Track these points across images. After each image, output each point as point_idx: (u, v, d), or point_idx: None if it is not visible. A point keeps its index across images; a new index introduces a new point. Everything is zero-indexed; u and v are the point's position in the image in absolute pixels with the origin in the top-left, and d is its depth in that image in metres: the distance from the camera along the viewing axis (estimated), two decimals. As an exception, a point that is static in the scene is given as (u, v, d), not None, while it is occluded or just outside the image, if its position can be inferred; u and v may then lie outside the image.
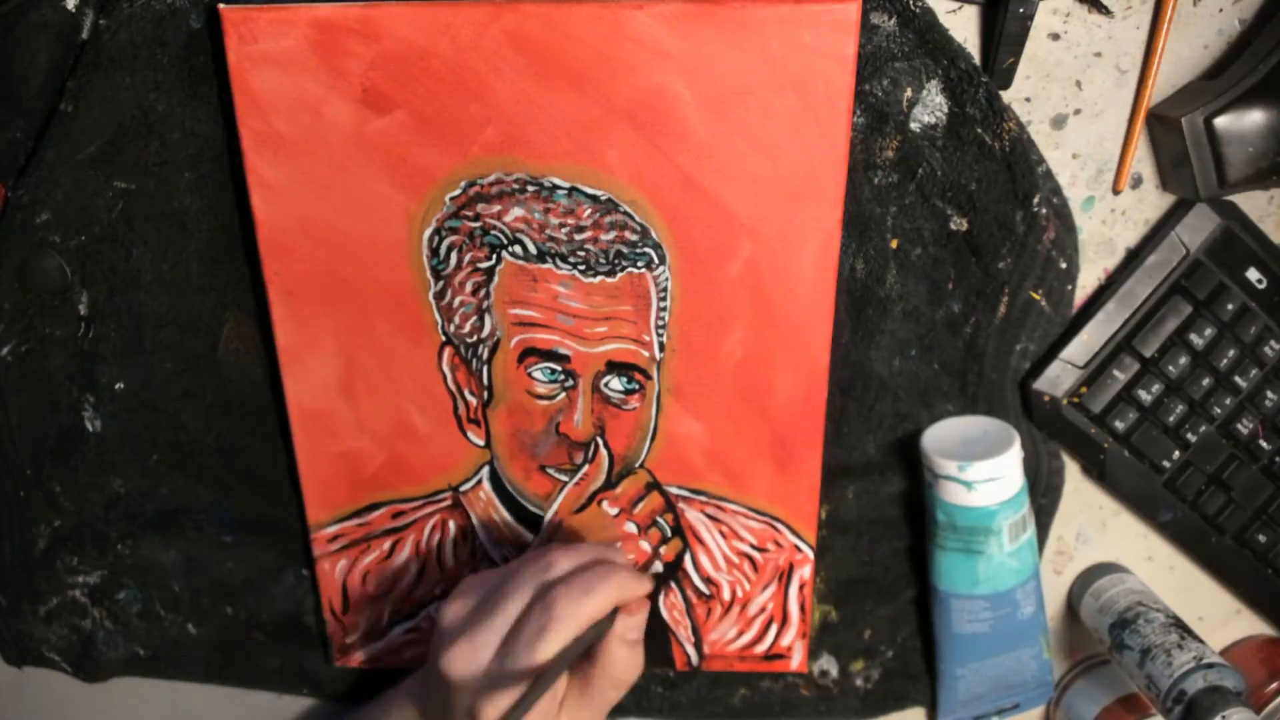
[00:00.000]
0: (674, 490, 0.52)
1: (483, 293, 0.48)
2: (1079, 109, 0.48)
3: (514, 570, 0.45)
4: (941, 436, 0.52)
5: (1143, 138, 0.49)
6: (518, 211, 0.46)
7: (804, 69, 0.44)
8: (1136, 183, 0.50)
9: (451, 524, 0.53)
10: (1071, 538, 0.57)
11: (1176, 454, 0.53)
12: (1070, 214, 0.49)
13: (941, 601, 0.53)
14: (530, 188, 0.46)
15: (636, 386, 0.50)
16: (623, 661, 0.44)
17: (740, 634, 0.56)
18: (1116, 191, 0.50)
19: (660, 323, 0.48)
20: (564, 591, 0.42)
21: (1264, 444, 0.53)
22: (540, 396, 0.50)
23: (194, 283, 0.50)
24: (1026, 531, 0.51)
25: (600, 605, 0.42)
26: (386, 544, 0.54)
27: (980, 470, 0.49)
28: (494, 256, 0.47)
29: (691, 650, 0.56)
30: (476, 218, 0.47)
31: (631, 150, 0.45)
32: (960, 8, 0.46)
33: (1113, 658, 0.54)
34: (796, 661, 0.57)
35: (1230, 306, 0.51)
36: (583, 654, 0.43)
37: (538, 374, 0.49)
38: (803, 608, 0.55)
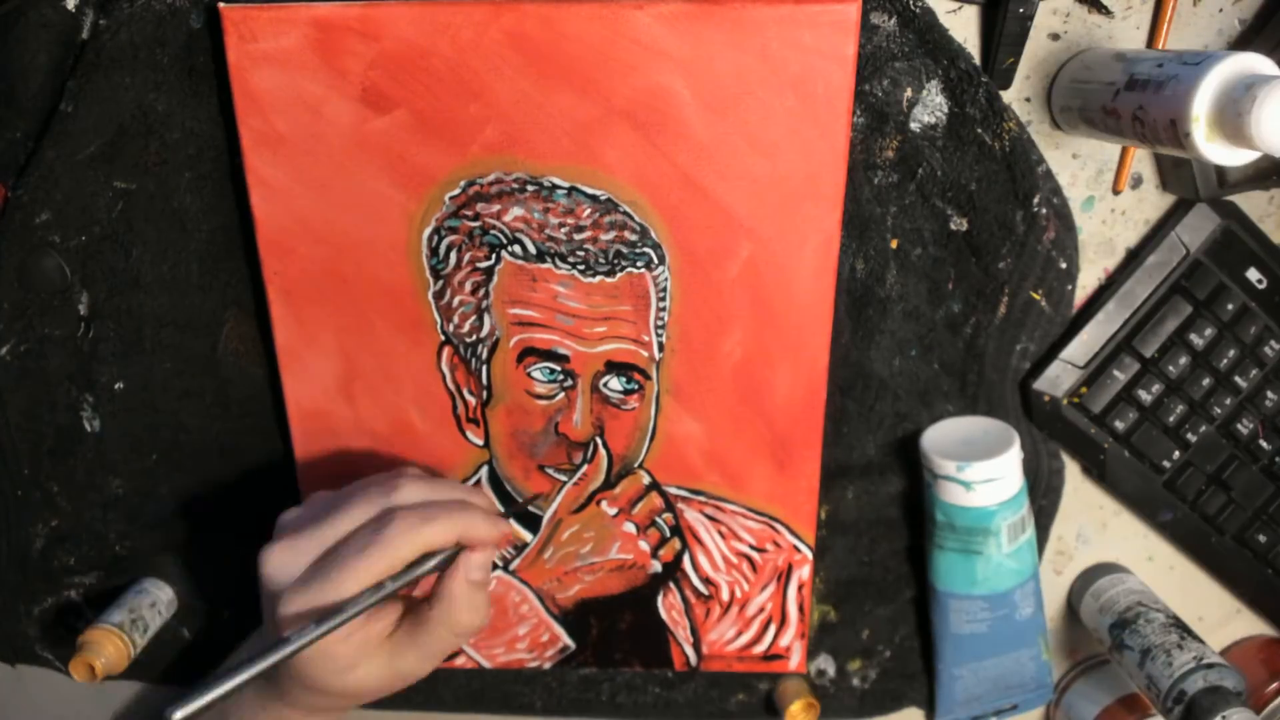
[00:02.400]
0: (673, 490, 0.52)
1: (482, 292, 0.48)
2: (1079, 109, 0.48)
3: (359, 485, 0.43)
4: (941, 437, 0.52)
5: (1142, 138, 0.49)
6: (517, 211, 0.46)
7: (804, 69, 0.44)
8: (1136, 183, 0.50)
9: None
10: (1071, 538, 0.57)
11: (1176, 454, 0.53)
12: (1070, 214, 0.49)
13: (940, 601, 0.53)
14: (530, 187, 0.46)
15: (636, 386, 0.50)
16: (462, 602, 0.41)
17: (739, 634, 0.56)
18: (1116, 191, 0.50)
19: (659, 323, 0.48)
20: (402, 515, 0.40)
21: (1264, 444, 0.53)
22: (539, 396, 0.50)
23: (194, 283, 0.50)
24: (1026, 532, 0.51)
25: (439, 536, 0.40)
26: (386, 544, 0.54)
27: (979, 470, 0.49)
28: (493, 256, 0.47)
29: (690, 651, 0.56)
30: (476, 217, 0.47)
31: (631, 150, 0.45)
32: (960, 8, 0.46)
33: (1113, 658, 0.54)
34: (795, 662, 0.57)
35: (1230, 306, 0.51)
36: (416, 589, 0.41)
37: (537, 374, 0.49)
38: (801, 608, 0.55)
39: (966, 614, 0.53)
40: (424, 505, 0.41)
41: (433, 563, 0.41)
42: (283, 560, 0.41)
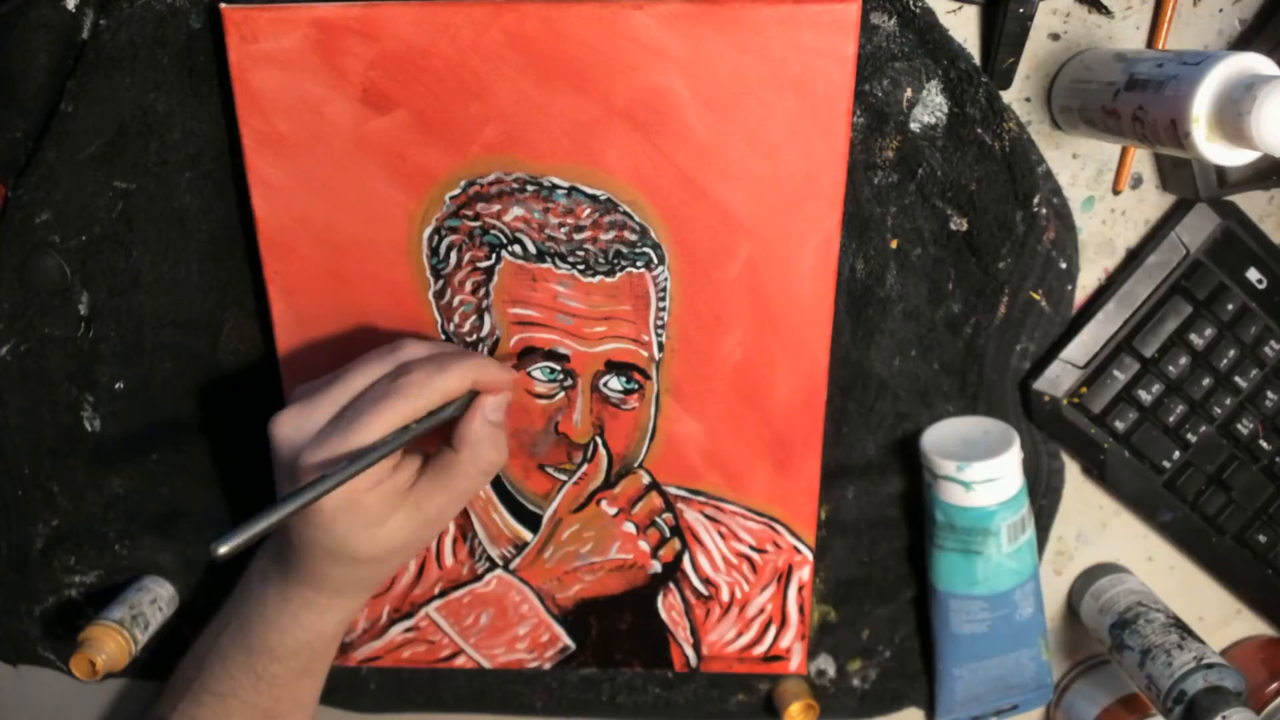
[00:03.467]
0: (673, 490, 0.52)
1: (482, 292, 0.48)
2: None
3: (366, 355, 0.43)
4: (941, 437, 0.52)
5: (1142, 138, 0.49)
6: (517, 211, 0.46)
7: (804, 69, 0.44)
8: (1136, 183, 0.50)
9: (450, 523, 0.53)
10: (1071, 538, 0.57)
11: (1176, 454, 0.53)
12: (1070, 214, 0.49)
13: (940, 601, 0.53)
14: (530, 187, 0.46)
15: (635, 386, 0.50)
16: (485, 441, 0.43)
17: (739, 635, 0.56)
18: (1116, 191, 0.50)
19: (659, 323, 0.48)
20: (418, 364, 0.41)
21: (1264, 444, 0.53)
22: (539, 396, 0.50)
23: (194, 283, 0.50)
24: (1025, 533, 0.51)
25: (454, 384, 0.41)
26: (386, 544, 0.54)
27: (979, 471, 0.49)
28: (493, 256, 0.47)
29: (690, 651, 0.56)
30: (476, 217, 0.47)
31: (631, 150, 0.45)
32: (960, 8, 0.46)
33: (1113, 658, 0.54)
34: (795, 663, 0.57)
35: (1230, 307, 0.51)
36: (438, 436, 0.42)
37: (537, 373, 0.49)
38: (801, 609, 0.55)
39: (966, 614, 0.53)
40: (436, 356, 0.42)
41: (451, 408, 0.42)
42: (297, 423, 0.41)
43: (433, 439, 0.43)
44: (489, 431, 0.43)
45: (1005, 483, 0.49)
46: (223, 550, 0.34)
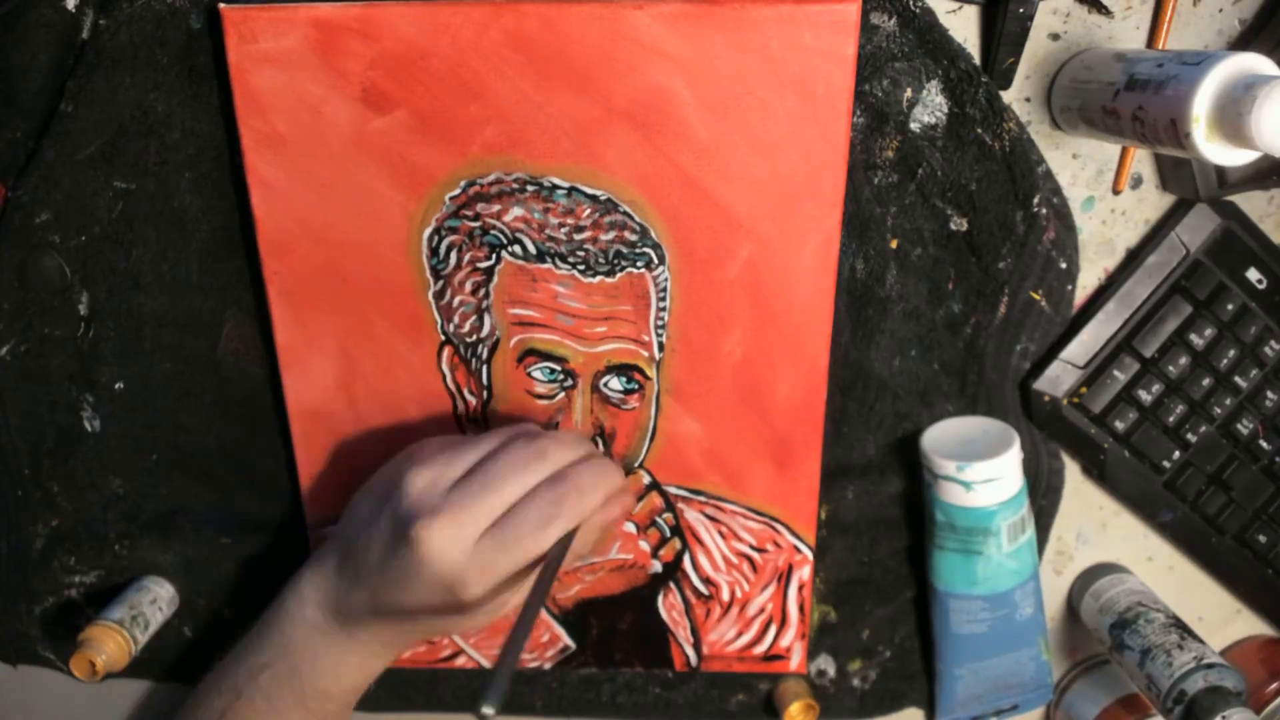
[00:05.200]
0: (673, 490, 0.52)
1: (482, 292, 0.48)
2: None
3: (501, 452, 0.43)
4: (941, 437, 0.52)
5: (1142, 138, 0.49)
6: (517, 211, 0.46)
7: (804, 69, 0.44)
8: (1136, 183, 0.50)
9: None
10: (1071, 538, 0.57)
11: (1176, 454, 0.53)
12: (1070, 214, 0.49)
13: (940, 601, 0.53)
14: (530, 187, 0.46)
15: (636, 386, 0.50)
16: (591, 542, 0.46)
17: (739, 635, 0.56)
18: (1116, 191, 0.50)
19: (660, 323, 0.48)
20: (574, 485, 0.42)
21: (1264, 444, 0.53)
22: (540, 396, 0.50)
23: (194, 283, 0.50)
24: (1025, 533, 0.51)
25: (599, 500, 0.43)
26: (386, 544, 0.54)
27: (979, 471, 0.49)
28: (493, 256, 0.47)
29: (690, 651, 0.56)
30: (476, 217, 0.47)
31: (631, 150, 0.45)
32: (960, 8, 0.46)
33: (1113, 658, 0.54)
34: (795, 662, 0.57)
35: (1230, 306, 0.51)
36: None
37: (537, 374, 0.49)
38: (802, 609, 0.55)
39: (966, 614, 0.53)
40: (581, 470, 0.43)
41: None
42: (449, 537, 0.40)
43: None
44: (599, 536, 0.47)
45: (1005, 483, 0.49)
46: (492, 712, 0.35)
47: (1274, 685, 0.57)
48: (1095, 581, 0.56)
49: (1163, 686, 0.50)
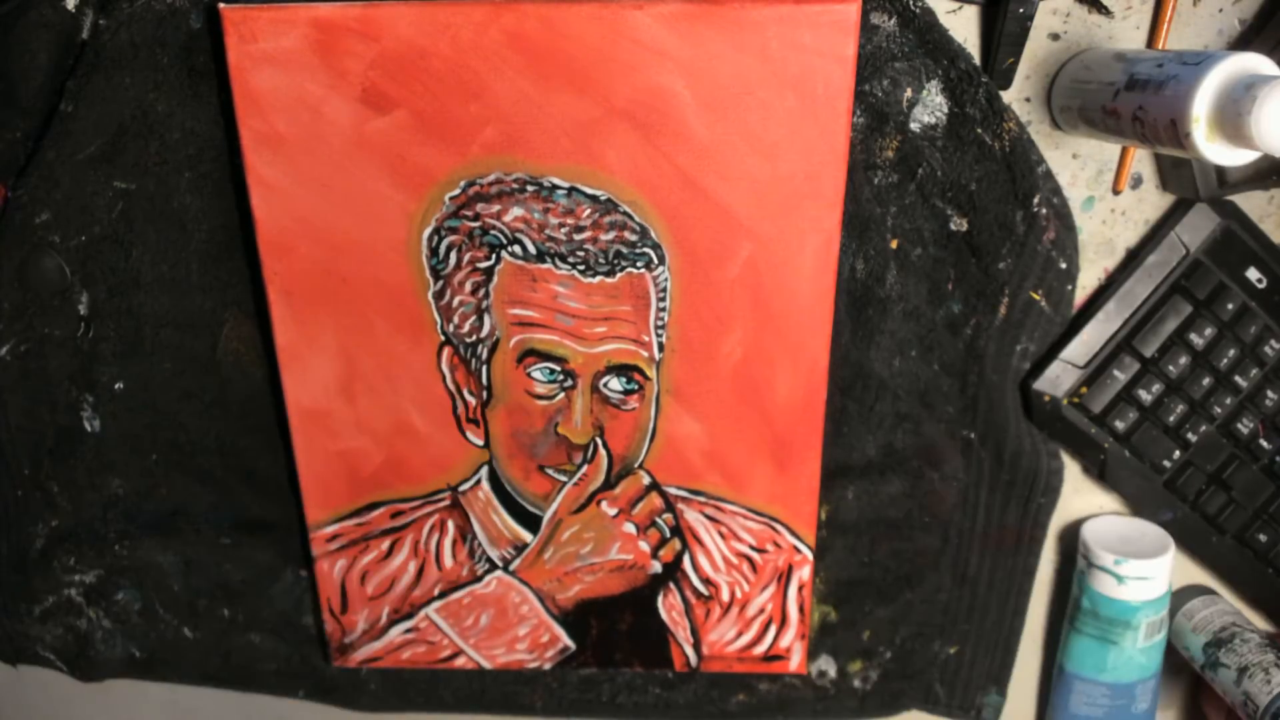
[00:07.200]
0: (673, 491, 0.52)
1: (482, 292, 0.48)
2: (1079, 109, 0.48)
3: None
4: (1101, 529, 0.54)
5: (1142, 138, 0.49)
6: (517, 211, 0.46)
7: (804, 69, 0.44)
8: (1136, 183, 0.50)
9: (450, 524, 0.53)
10: (1071, 538, 0.57)
11: (1177, 454, 0.53)
12: (1070, 214, 0.49)
13: (1065, 681, 0.56)
14: (529, 187, 0.46)
15: (636, 387, 0.50)
16: None
17: (739, 635, 0.56)
18: (1116, 191, 0.50)
19: (659, 323, 0.48)
20: None
21: (1264, 444, 0.53)
22: (539, 396, 0.50)
23: (194, 283, 0.50)
24: (1161, 633, 0.54)
25: None
26: (385, 544, 0.54)
27: (1134, 568, 0.51)
28: (493, 256, 0.47)
29: (690, 651, 0.56)
30: (476, 217, 0.47)
31: (631, 150, 0.45)
32: (960, 8, 0.46)
33: (1205, 676, 0.55)
34: (795, 663, 0.57)
35: (1230, 306, 0.51)
36: None
37: (537, 374, 0.49)
38: (802, 609, 0.55)
39: (1088, 697, 0.55)
40: None
41: None
42: None
43: None
44: None
45: (1155, 583, 0.52)
46: None
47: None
48: (1187, 602, 0.58)
49: (1260, 702, 0.52)
